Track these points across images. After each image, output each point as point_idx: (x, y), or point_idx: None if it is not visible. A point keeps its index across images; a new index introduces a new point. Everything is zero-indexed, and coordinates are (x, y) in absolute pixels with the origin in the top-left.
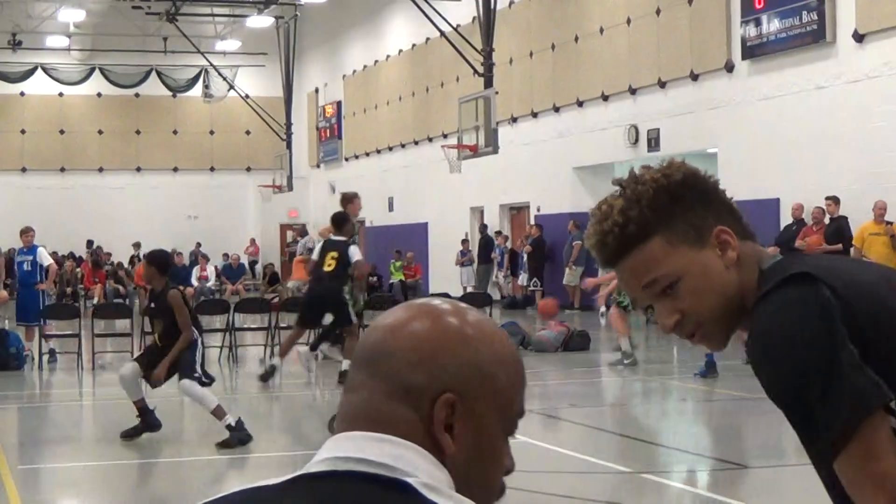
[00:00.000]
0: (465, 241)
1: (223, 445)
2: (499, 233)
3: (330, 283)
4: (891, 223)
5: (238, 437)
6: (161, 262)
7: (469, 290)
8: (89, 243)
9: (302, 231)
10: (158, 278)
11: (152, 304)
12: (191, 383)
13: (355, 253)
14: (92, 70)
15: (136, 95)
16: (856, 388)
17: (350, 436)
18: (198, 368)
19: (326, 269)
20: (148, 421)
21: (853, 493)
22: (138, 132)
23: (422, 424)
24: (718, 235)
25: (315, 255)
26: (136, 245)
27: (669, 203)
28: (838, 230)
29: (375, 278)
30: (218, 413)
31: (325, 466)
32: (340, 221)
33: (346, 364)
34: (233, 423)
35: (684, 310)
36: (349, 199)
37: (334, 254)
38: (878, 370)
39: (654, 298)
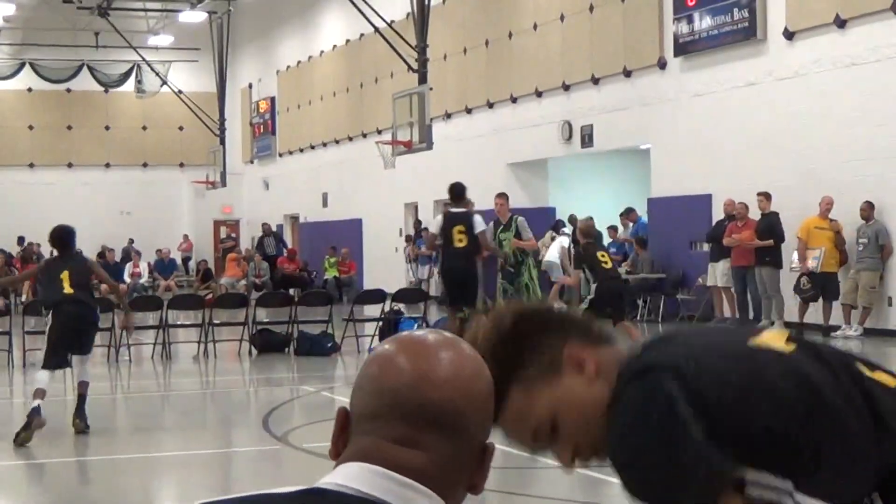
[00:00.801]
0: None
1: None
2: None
3: (467, 259)
4: (835, 220)
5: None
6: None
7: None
8: (20, 240)
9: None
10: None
11: None
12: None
13: (480, 223)
14: (22, 65)
15: (68, 90)
16: (706, 472)
17: (377, 471)
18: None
19: (458, 245)
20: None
21: None
22: (70, 127)
23: (467, 476)
24: (569, 357)
25: (435, 230)
26: (21, 240)
27: (511, 351)
28: (769, 226)
29: (307, 274)
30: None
31: (339, 488)
32: (460, 191)
33: None
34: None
35: (576, 443)
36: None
37: (461, 227)
38: (731, 448)
39: (549, 445)
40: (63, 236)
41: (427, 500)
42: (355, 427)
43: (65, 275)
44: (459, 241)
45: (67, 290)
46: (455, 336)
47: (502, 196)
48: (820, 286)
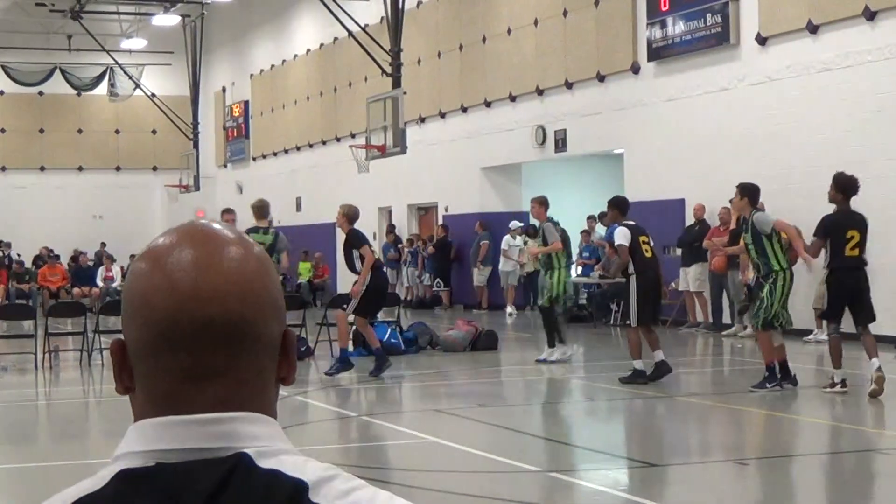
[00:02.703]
0: (410, 241)
1: None
2: (417, 236)
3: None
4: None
5: None
6: None
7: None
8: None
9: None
10: None
11: None
12: None
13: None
14: None
15: (40, 94)
16: None
17: (168, 421)
18: None
19: (647, 255)
20: None
21: None
22: (42, 131)
23: (273, 374)
24: None
25: (623, 241)
26: (7, 245)
27: None
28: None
29: (282, 278)
30: None
31: (149, 461)
32: (623, 205)
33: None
34: None
35: None
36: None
37: (645, 238)
38: None
39: None
40: None
41: (241, 424)
42: (136, 364)
43: None
44: (647, 252)
45: None
46: (207, 222)
47: (535, 201)
48: None
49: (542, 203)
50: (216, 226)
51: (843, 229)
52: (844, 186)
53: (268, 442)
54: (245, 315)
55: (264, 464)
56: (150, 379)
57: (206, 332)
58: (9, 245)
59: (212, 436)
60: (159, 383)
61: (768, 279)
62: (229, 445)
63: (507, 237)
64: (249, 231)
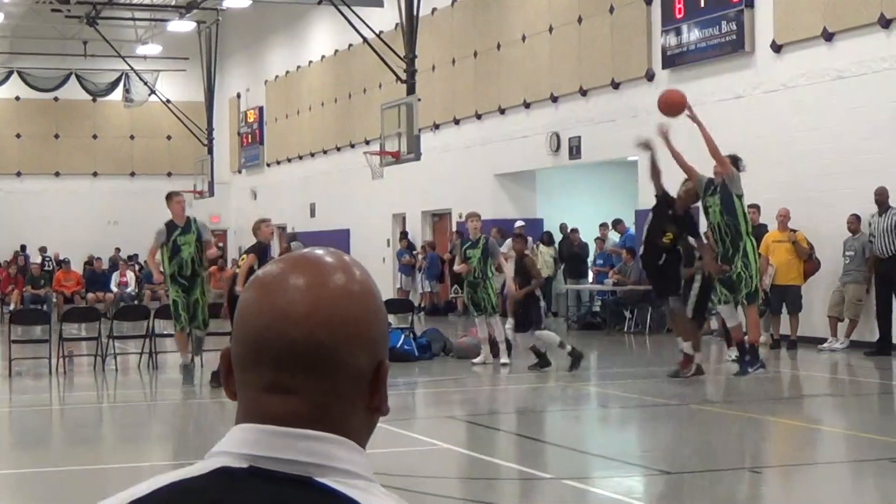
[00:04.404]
0: (423, 247)
1: None
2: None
3: None
4: (795, 230)
5: None
6: None
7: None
8: (22, 248)
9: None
10: None
11: None
12: None
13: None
14: (10, 73)
15: (56, 99)
16: None
17: (266, 430)
18: None
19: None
20: None
21: None
22: (57, 136)
23: (361, 402)
24: None
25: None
26: (42, 249)
27: None
28: (758, 238)
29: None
30: None
31: (243, 462)
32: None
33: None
34: None
35: None
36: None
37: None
38: None
39: None
40: None
41: (319, 443)
42: (237, 377)
43: None
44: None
45: None
46: (320, 252)
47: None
48: (779, 300)
49: (479, 217)
50: (324, 254)
51: None
52: None
53: (354, 467)
54: (328, 342)
55: (346, 490)
56: (241, 389)
57: (289, 353)
58: (23, 248)
59: (299, 450)
60: (247, 394)
61: (736, 254)
62: (318, 462)
63: (508, 241)
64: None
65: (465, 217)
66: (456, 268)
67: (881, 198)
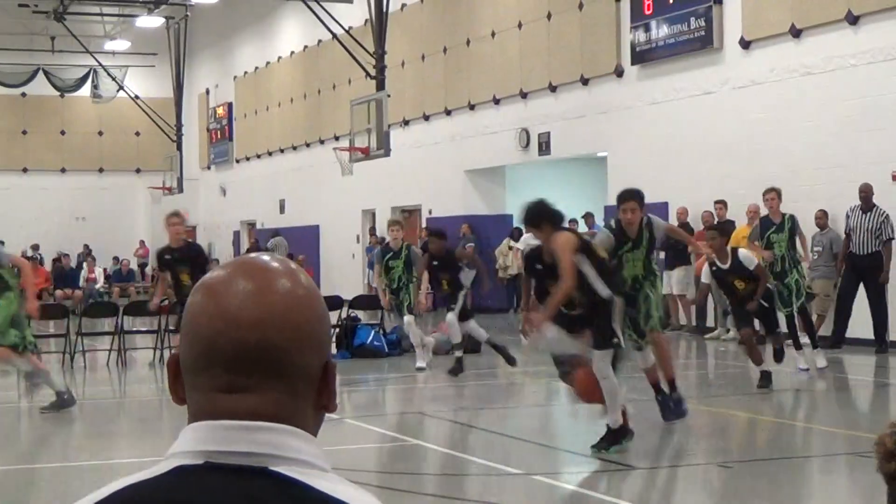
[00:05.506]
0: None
1: None
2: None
3: None
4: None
5: None
6: None
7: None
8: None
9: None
10: None
11: None
12: None
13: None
14: None
15: (23, 95)
16: None
17: (218, 425)
18: None
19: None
20: None
21: None
22: (25, 132)
23: (311, 401)
24: None
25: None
26: (35, 247)
27: None
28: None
29: None
30: None
31: (199, 459)
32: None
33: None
34: None
35: None
36: None
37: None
38: None
39: None
40: None
41: (284, 436)
42: (186, 379)
43: None
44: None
45: None
46: (265, 257)
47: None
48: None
49: (402, 226)
50: (269, 259)
51: None
52: None
53: (309, 457)
54: (280, 344)
55: (304, 478)
56: (192, 392)
57: (242, 355)
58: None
59: (254, 442)
60: (200, 396)
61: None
62: (273, 453)
63: (526, 236)
64: None
65: (387, 225)
66: (382, 301)
67: (866, 195)
